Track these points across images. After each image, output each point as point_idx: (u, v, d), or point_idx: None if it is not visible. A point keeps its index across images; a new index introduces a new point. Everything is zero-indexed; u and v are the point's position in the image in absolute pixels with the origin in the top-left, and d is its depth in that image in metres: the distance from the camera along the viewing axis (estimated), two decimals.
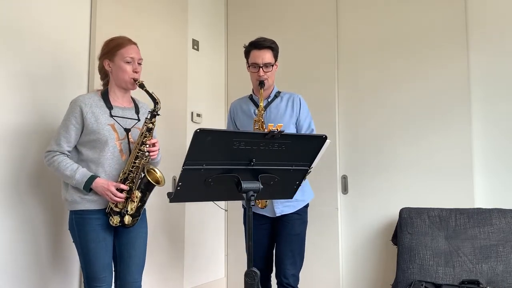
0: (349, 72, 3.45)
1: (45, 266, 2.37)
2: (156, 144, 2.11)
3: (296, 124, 2.53)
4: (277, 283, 2.41)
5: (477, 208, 2.86)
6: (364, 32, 3.41)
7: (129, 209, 2.07)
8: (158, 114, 2.11)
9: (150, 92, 2.10)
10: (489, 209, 2.82)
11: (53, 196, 2.40)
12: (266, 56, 2.45)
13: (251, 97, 2.59)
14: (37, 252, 2.33)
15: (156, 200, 2.86)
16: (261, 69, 2.44)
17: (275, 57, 2.51)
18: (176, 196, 1.70)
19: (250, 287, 1.59)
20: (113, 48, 2.15)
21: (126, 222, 2.07)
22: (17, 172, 2.26)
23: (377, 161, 3.29)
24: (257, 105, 2.48)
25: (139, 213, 2.12)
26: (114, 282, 2.18)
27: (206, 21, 3.79)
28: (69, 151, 2.10)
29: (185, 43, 3.46)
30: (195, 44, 3.62)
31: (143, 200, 2.11)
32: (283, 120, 2.48)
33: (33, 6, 2.38)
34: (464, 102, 3.04)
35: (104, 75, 2.23)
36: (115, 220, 2.05)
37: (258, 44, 2.46)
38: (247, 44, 2.52)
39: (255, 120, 2.42)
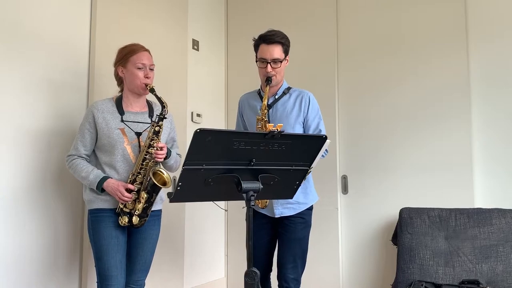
0: (349, 71, 3.45)
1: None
2: (163, 148, 2.15)
3: (303, 123, 2.42)
4: (278, 286, 2.38)
5: (477, 208, 2.86)
6: (364, 32, 3.41)
7: (136, 209, 2.13)
8: (165, 118, 2.18)
9: (159, 96, 2.18)
10: (489, 209, 2.82)
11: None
12: (275, 51, 2.33)
13: (259, 92, 2.51)
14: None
15: (156, 199, 2.86)
16: (269, 65, 2.33)
17: (285, 52, 2.38)
18: (176, 196, 1.70)
19: (250, 287, 1.59)
20: (126, 55, 2.24)
21: (134, 222, 2.13)
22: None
23: (377, 161, 3.30)
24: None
25: (147, 214, 2.18)
26: None
27: (206, 21, 3.79)
28: (87, 155, 2.21)
29: (185, 43, 3.46)
30: (195, 44, 3.62)
31: (149, 201, 2.16)
32: (289, 118, 2.39)
33: (33, 7, 2.37)
34: (464, 102, 3.04)
35: (120, 81, 2.32)
36: (123, 220, 2.12)
37: (267, 38, 2.34)
38: (256, 37, 2.40)
39: (257, 118, 2.35)
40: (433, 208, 2.93)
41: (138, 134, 2.21)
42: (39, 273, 2.33)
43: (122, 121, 2.20)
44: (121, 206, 2.12)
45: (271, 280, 2.51)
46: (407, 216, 2.94)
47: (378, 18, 3.37)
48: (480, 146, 3.01)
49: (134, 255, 2.23)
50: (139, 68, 2.21)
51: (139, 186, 2.13)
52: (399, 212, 2.99)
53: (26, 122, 2.32)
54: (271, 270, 2.49)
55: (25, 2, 2.33)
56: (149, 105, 2.35)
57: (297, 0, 3.70)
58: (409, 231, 2.89)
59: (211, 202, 1.92)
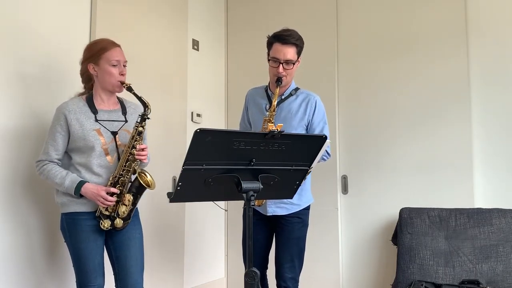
0: (349, 72, 3.45)
1: (40, 269, 2.35)
2: (145, 149, 2.10)
3: (307, 126, 2.41)
4: (277, 286, 2.39)
5: (477, 208, 2.86)
6: (364, 31, 3.41)
7: (120, 212, 2.06)
8: (148, 118, 2.10)
9: (139, 95, 2.09)
10: (489, 209, 2.82)
11: (47, 199, 2.37)
12: (289, 52, 2.28)
13: (266, 90, 2.49)
14: (31, 256, 2.31)
15: (156, 200, 2.86)
16: (281, 65, 2.29)
17: (298, 54, 2.34)
18: (176, 196, 1.70)
19: (250, 287, 1.59)
20: (97, 52, 2.12)
21: (117, 226, 2.07)
22: (12, 176, 2.24)
23: (377, 161, 3.29)
24: (270, 101, 2.35)
25: (130, 216, 2.12)
26: (115, 285, 2.18)
27: (206, 21, 3.79)
28: (58, 159, 2.10)
29: (185, 43, 3.46)
30: (195, 44, 3.62)
31: (134, 203, 2.10)
32: (293, 120, 2.38)
33: (33, 6, 2.37)
34: (464, 102, 3.04)
35: (87, 79, 2.20)
36: (106, 224, 2.04)
37: (282, 38, 2.29)
38: (271, 35, 2.35)
39: (264, 119, 2.32)
40: (433, 208, 2.93)
41: (114, 134, 2.13)
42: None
43: (96, 120, 2.11)
44: (102, 210, 2.04)
45: (268, 279, 2.52)
46: (407, 216, 2.94)
47: (378, 18, 3.37)
48: (480, 146, 3.01)
49: (123, 257, 2.14)
50: (114, 65, 2.10)
51: (121, 188, 2.06)
52: (399, 212, 2.99)
53: (22, 123, 2.28)
54: (267, 268, 2.50)
55: (24, 1, 2.33)
56: (121, 102, 2.26)
57: (297, 1, 3.70)
58: (409, 231, 2.89)
59: (211, 202, 1.92)
